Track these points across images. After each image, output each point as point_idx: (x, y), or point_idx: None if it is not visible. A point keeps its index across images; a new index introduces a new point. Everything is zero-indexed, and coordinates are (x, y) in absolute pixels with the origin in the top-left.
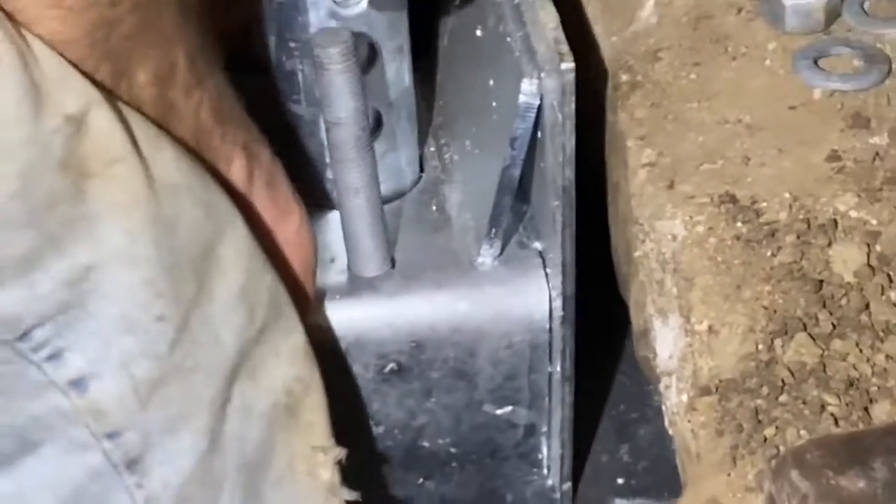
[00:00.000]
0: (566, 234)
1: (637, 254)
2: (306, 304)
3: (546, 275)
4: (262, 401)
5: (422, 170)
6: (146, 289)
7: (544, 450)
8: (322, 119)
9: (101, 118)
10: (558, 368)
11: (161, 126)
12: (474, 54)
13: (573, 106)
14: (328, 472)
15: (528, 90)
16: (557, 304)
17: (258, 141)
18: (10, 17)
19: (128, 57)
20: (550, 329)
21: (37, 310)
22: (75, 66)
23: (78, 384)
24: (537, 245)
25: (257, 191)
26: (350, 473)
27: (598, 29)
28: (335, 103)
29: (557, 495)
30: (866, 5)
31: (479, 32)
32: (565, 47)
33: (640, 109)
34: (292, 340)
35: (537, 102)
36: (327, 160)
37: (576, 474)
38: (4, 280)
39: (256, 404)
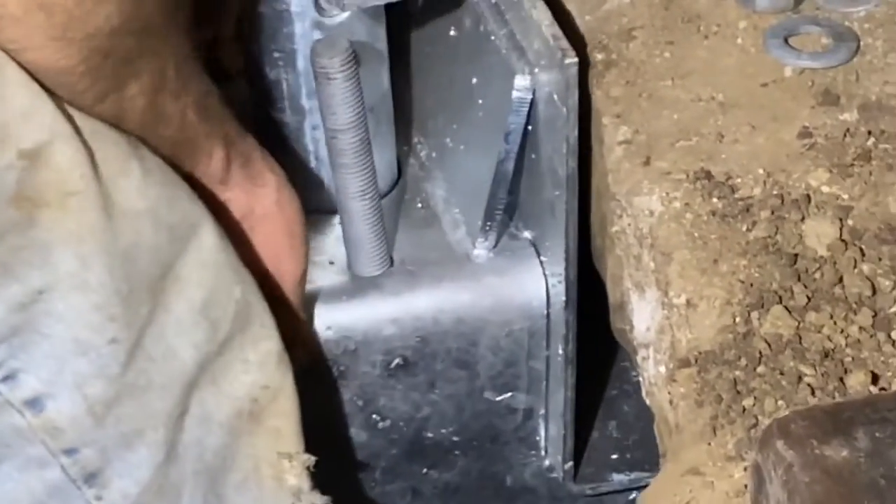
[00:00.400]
0: (569, 222)
1: (614, 229)
2: (298, 272)
3: (541, 263)
4: (223, 409)
5: (399, 170)
6: (98, 313)
7: (542, 432)
8: (307, 126)
9: (63, 152)
10: (560, 351)
11: (147, 131)
12: (450, 54)
13: (576, 98)
14: (295, 478)
15: (521, 86)
16: (559, 289)
17: (235, 127)
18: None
19: (120, 75)
20: (548, 315)
21: None
22: (59, 89)
23: (33, 404)
24: (527, 235)
25: (234, 175)
26: (349, 471)
27: (572, 7)
28: (339, 111)
29: (559, 474)
30: None
31: (453, 33)
32: (566, 43)
33: (615, 88)
34: (264, 347)
35: (530, 97)
36: (311, 165)
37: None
38: None
39: (217, 413)
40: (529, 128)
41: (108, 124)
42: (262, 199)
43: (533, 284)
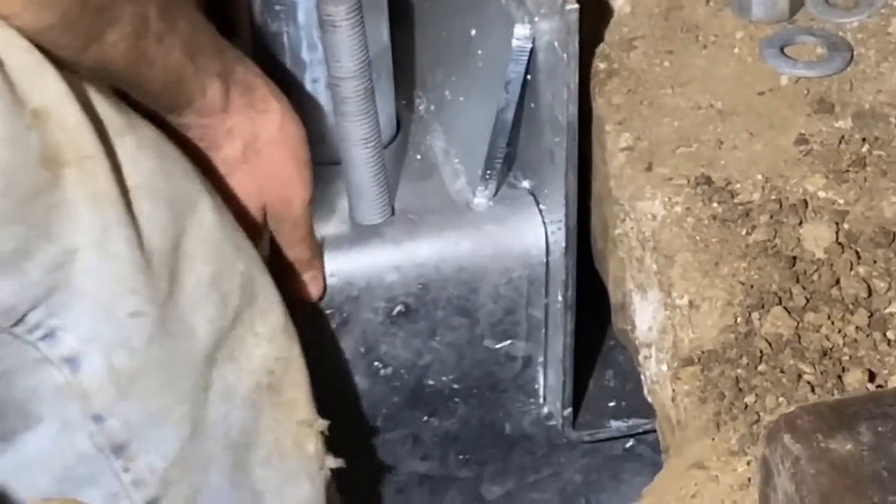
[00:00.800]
0: (569, 168)
1: (616, 232)
2: (306, 195)
3: (540, 211)
4: (244, 383)
5: (398, 124)
6: (119, 285)
7: (541, 380)
8: (307, 78)
9: (70, 114)
10: (559, 298)
11: (132, 75)
12: (447, 8)
13: (577, 45)
14: (313, 444)
15: (521, 34)
16: (558, 237)
17: (233, 59)
18: None
19: (98, 25)
20: (547, 263)
21: (29, 296)
22: (44, 45)
23: (71, 361)
24: (526, 184)
25: (235, 103)
26: (351, 419)
27: None
28: (343, 59)
29: (557, 421)
30: None
31: None
32: None
33: (617, 96)
34: (271, 319)
35: (530, 46)
36: (311, 117)
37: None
38: None
39: (238, 387)
40: (528, 77)
41: (100, 95)
42: (265, 125)
43: (532, 233)
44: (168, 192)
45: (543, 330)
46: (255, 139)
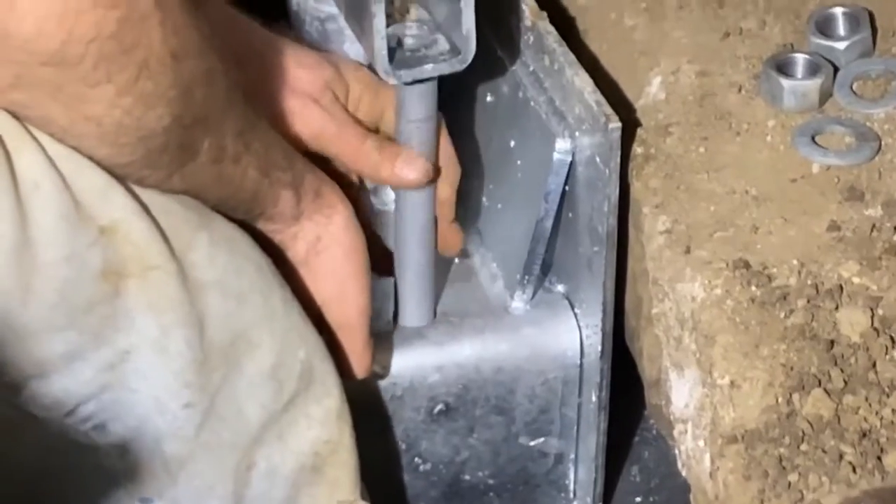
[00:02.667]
0: (608, 276)
1: (654, 311)
2: (363, 300)
3: (575, 315)
4: (288, 463)
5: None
6: (175, 380)
7: (571, 475)
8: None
9: (139, 228)
10: (593, 398)
11: (206, 194)
12: (486, 119)
13: (618, 160)
14: None
15: (562, 148)
16: (594, 340)
17: (302, 168)
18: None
19: (178, 160)
20: (581, 365)
21: (80, 393)
22: (121, 175)
23: (120, 448)
24: (560, 288)
25: (306, 210)
26: None
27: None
28: None
29: None
30: (855, 86)
31: (490, 98)
32: (609, 109)
33: (654, 179)
34: (326, 404)
35: (570, 159)
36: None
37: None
38: (49, 373)
39: (282, 467)
40: (567, 188)
41: (175, 197)
42: (330, 228)
43: (567, 336)
44: (239, 287)
45: (576, 428)
46: (318, 240)
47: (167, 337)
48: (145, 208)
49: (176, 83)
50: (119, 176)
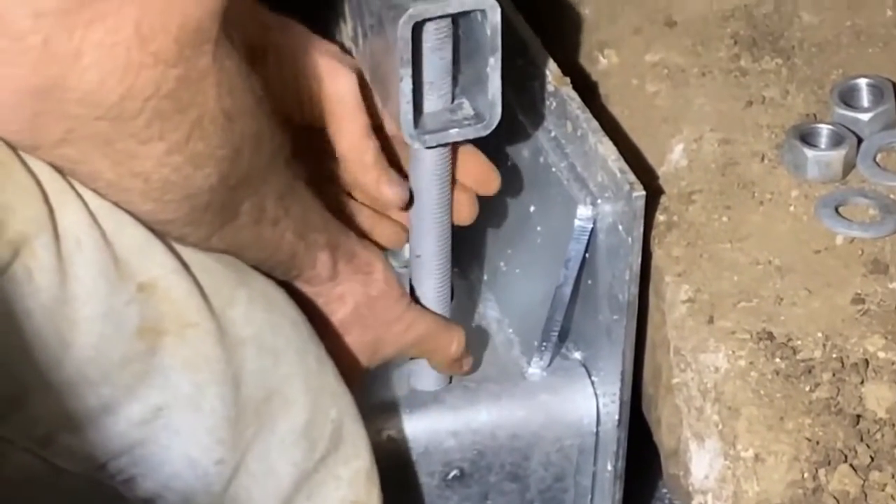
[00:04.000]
0: (626, 345)
1: (674, 380)
2: (412, 314)
3: (592, 383)
4: None
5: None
6: (208, 436)
7: None
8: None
9: (178, 285)
10: (609, 467)
11: (245, 256)
12: (506, 183)
13: (641, 229)
14: None
15: (584, 215)
16: (611, 409)
17: (337, 230)
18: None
19: (220, 220)
20: (597, 433)
21: (111, 448)
22: (162, 233)
23: (148, 502)
24: (577, 355)
25: (342, 271)
26: None
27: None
28: None
29: None
30: (878, 157)
31: (510, 163)
32: (633, 177)
33: (676, 248)
34: (355, 465)
35: (591, 226)
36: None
37: None
38: (80, 427)
39: None
40: (587, 254)
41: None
42: (373, 284)
43: (584, 403)
44: (275, 344)
45: (590, 497)
46: (366, 297)
47: (202, 394)
48: (185, 265)
49: (226, 143)
50: (160, 233)
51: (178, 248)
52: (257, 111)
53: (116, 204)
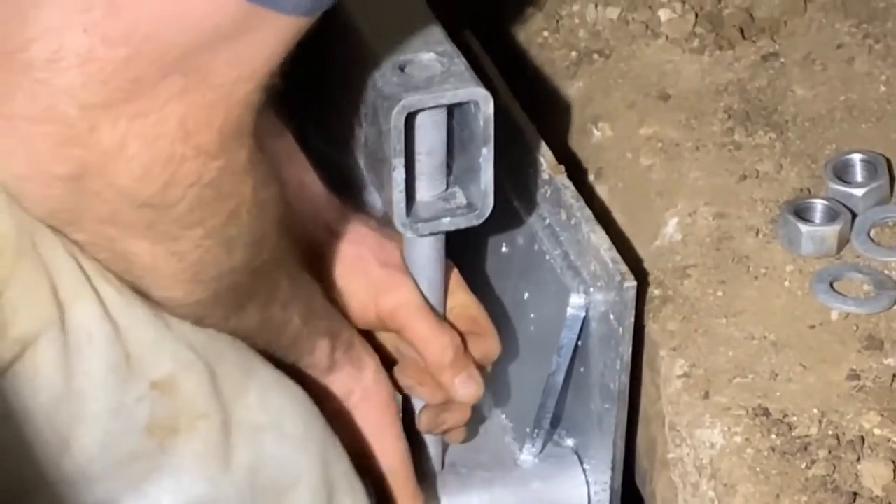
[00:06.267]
0: (617, 434)
1: (670, 455)
2: (402, 447)
3: (584, 471)
4: None
5: None
6: None
7: None
8: None
9: (190, 379)
10: None
11: (253, 338)
12: (500, 269)
13: (633, 318)
14: None
15: (576, 304)
16: (602, 497)
17: (337, 319)
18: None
19: (240, 301)
20: None
21: None
22: (183, 317)
23: None
24: (570, 442)
25: (339, 361)
26: None
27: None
28: None
29: None
30: (872, 233)
31: (504, 249)
32: (624, 267)
33: (671, 322)
34: None
35: (584, 314)
36: None
37: None
38: None
39: None
40: (579, 343)
41: (225, 342)
42: (361, 381)
43: (575, 491)
44: (294, 430)
45: None
46: (352, 393)
47: (217, 487)
48: (198, 355)
49: (256, 230)
50: (179, 317)
51: (191, 338)
52: (281, 199)
53: (137, 290)
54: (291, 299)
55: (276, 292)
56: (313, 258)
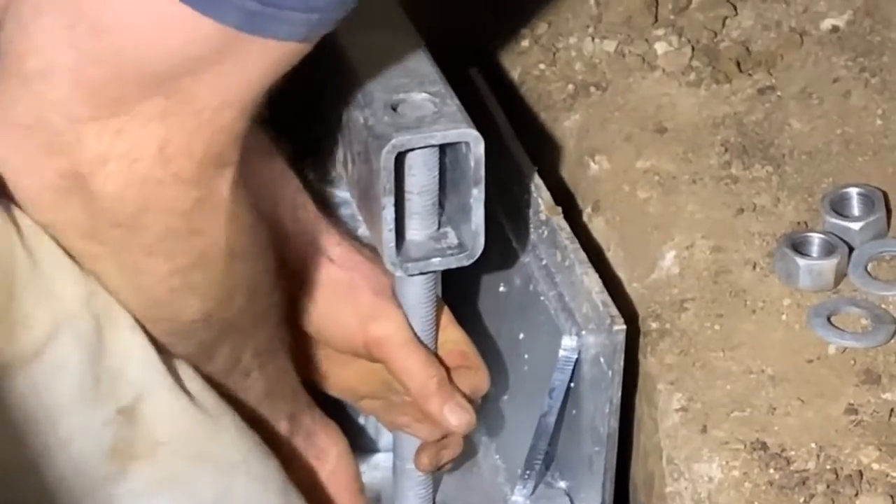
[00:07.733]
0: (607, 477)
1: (668, 489)
2: None
3: None
4: None
5: None
6: None
7: None
8: None
9: (153, 407)
10: None
11: (221, 387)
12: (497, 309)
13: (622, 362)
14: None
15: (568, 346)
16: None
17: (303, 405)
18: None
19: (196, 354)
20: None
21: None
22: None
23: None
24: (562, 484)
25: (295, 449)
26: None
27: (621, 274)
28: None
29: None
30: (870, 267)
31: (502, 289)
32: (615, 310)
33: (669, 356)
34: None
35: (576, 357)
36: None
37: None
38: None
39: None
40: (572, 385)
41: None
42: (324, 464)
43: None
44: (264, 473)
45: None
46: (311, 485)
47: None
48: (172, 384)
49: (222, 284)
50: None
51: (167, 366)
52: (260, 263)
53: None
54: (254, 370)
55: (237, 361)
56: (304, 281)
